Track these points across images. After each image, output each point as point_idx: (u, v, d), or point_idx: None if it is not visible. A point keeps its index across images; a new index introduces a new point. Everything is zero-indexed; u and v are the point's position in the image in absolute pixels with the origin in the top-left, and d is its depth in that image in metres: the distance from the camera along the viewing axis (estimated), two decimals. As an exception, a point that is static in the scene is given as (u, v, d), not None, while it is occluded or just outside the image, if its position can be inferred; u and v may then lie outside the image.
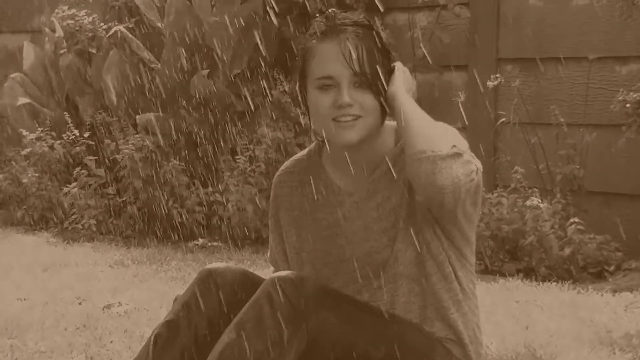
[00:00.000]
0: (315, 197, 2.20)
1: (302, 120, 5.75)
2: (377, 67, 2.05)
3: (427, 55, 5.59)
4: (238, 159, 5.72)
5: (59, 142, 6.29)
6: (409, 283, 2.11)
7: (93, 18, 6.51)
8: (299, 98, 2.15)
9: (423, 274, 2.11)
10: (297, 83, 2.13)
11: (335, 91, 2.05)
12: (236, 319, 2.02)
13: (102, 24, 6.47)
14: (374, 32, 2.09)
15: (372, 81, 2.05)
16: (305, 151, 2.28)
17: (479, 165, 2.01)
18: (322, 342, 2.01)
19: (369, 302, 2.12)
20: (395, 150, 2.13)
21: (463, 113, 5.61)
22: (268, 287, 2.02)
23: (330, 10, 2.12)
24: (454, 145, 1.96)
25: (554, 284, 4.51)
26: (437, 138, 1.96)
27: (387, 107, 2.08)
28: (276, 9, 5.63)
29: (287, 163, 2.29)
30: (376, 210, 2.13)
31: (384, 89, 2.07)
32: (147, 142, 5.87)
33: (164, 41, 6.07)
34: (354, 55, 2.04)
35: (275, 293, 2.00)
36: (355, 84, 2.05)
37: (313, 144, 2.27)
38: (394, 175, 2.10)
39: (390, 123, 2.15)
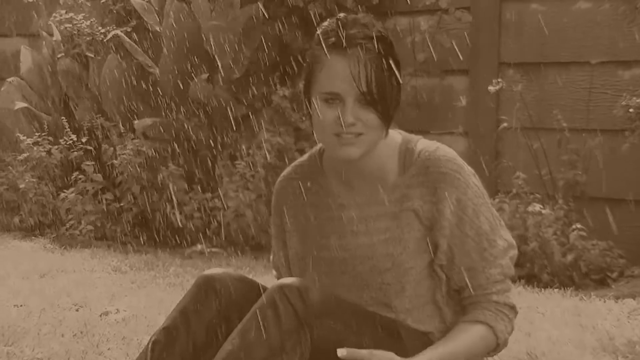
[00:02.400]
0: (317, 204, 2.20)
1: (302, 125, 5.75)
2: (385, 85, 2.03)
3: (427, 59, 5.60)
4: (237, 164, 5.72)
5: (56, 147, 6.29)
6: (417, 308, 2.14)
7: (91, 22, 6.51)
8: (304, 104, 2.13)
9: (428, 302, 2.13)
10: (303, 89, 2.11)
11: (340, 107, 2.04)
12: (239, 327, 2.01)
13: (100, 28, 6.47)
14: (386, 45, 2.06)
15: (379, 100, 2.04)
16: (306, 156, 2.27)
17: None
18: (326, 351, 2.00)
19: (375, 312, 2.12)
20: (407, 176, 2.11)
21: (464, 118, 5.61)
22: (273, 294, 2.01)
23: (341, 17, 2.07)
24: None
25: (556, 290, 4.51)
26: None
27: (388, 125, 2.08)
28: (266, 15, 5.64)
29: (288, 169, 2.28)
30: (384, 233, 2.12)
31: (390, 105, 2.06)
32: (145, 147, 5.86)
33: (162, 45, 6.07)
34: (362, 75, 2.01)
35: (280, 301, 1.99)
36: (360, 102, 2.04)
37: (314, 149, 2.26)
38: (405, 213, 2.10)
39: (391, 139, 2.14)
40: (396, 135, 2.16)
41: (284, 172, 2.28)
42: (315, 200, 2.20)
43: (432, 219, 2.09)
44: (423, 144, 2.14)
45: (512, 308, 2.15)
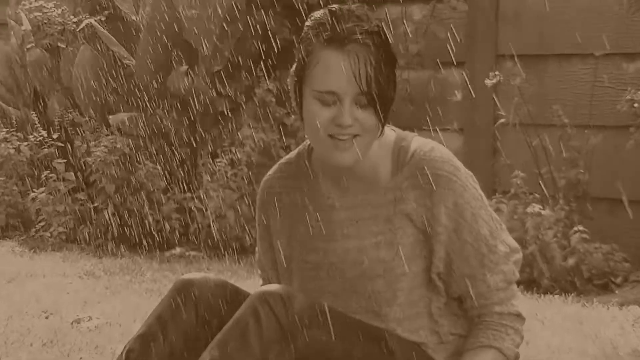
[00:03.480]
0: (305, 205, 2.19)
1: (288, 120, 5.75)
2: (383, 84, 2.02)
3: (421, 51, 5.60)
4: (219, 162, 5.71)
5: (25, 143, 6.27)
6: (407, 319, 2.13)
7: (62, 10, 6.49)
8: (294, 101, 2.10)
9: (421, 312, 2.12)
10: (294, 85, 2.09)
11: (337, 106, 2.02)
12: (218, 336, 2.00)
13: (72, 17, 6.45)
14: (383, 41, 2.04)
15: (378, 100, 2.02)
16: (293, 153, 2.26)
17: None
18: (311, 363, 2.00)
19: (363, 320, 2.11)
20: (400, 178, 2.10)
21: (460, 113, 5.61)
22: (254, 302, 2.00)
23: (335, 8, 2.05)
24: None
25: (556, 296, 4.52)
26: None
27: (384, 125, 2.07)
28: (250, 3, 5.64)
29: (274, 167, 2.27)
30: (375, 236, 2.11)
31: (388, 105, 2.05)
32: (121, 143, 5.85)
33: (139, 35, 6.06)
34: (363, 73, 2.00)
35: (262, 309, 1.98)
36: (359, 102, 2.03)
37: (302, 145, 2.25)
38: (398, 217, 2.09)
39: (385, 137, 2.13)
40: (389, 132, 2.15)
41: (270, 171, 2.27)
42: (302, 201, 2.19)
43: (427, 224, 2.08)
44: (417, 142, 2.13)
45: (518, 316, 2.15)
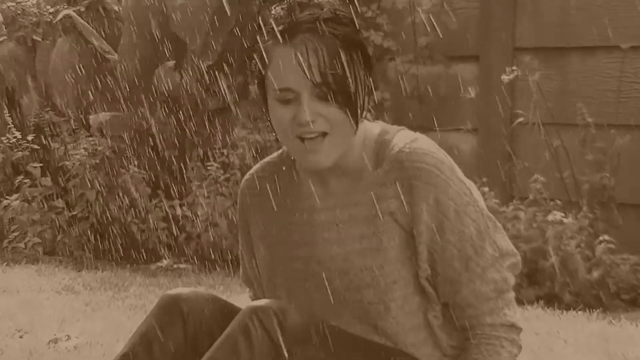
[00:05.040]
0: (287, 207, 2.19)
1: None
2: (344, 73, 2.02)
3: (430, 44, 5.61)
4: (210, 165, 5.71)
5: (-3, 146, 6.28)
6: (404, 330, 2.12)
7: (38, 0, 6.49)
8: (262, 108, 2.12)
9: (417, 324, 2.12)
10: (257, 91, 2.11)
11: (297, 104, 2.03)
12: (207, 354, 2.00)
13: (48, 7, 6.45)
14: (342, 26, 2.05)
15: (338, 91, 2.02)
16: (277, 153, 2.27)
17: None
18: (308, 383, 2.00)
19: (360, 335, 2.11)
20: (379, 173, 2.10)
21: (473, 112, 5.61)
22: (245, 318, 2.00)
23: (289, 1, 2.07)
24: None
25: (580, 312, 4.51)
26: None
27: (356, 119, 2.06)
28: None
29: (256, 166, 2.28)
30: (359, 242, 2.11)
31: (355, 96, 2.05)
32: (102, 146, 5.85)
33: (121, 27, 6.06)
34: (314, 63, 2.01)
35: (253, 326, 1.98)
36: (318, 96, 2.04)
37: (287, 144, 2.25)
38: (380, 217, 2.08)
39: (369, 132, 2.13)
40: (375, 126, 2.16)
41: (251, 170, 2.27)
42: (284, 202, 2.19)
43: (409, 223, 2.08)
44: (400, 135, 2.13)
45: (512, 326, 2.13)
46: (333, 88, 2.02)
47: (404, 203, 2.07)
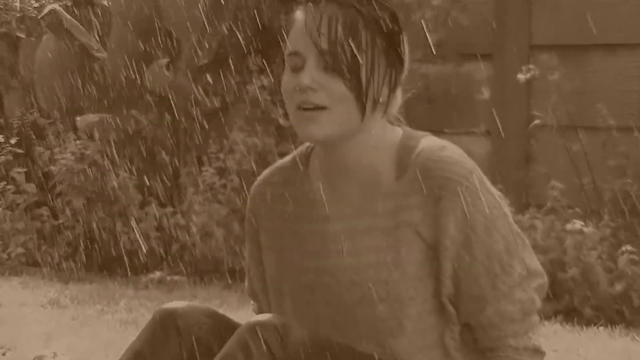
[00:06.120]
0: (298, 215, 2.19)
1: (285, 122, 5.75)
2: (358, 47, 2.04)
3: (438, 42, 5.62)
4: (205, 171, 5.71)
5: (-22, 150, 6.29)
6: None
7: (22, -6, 6.51)
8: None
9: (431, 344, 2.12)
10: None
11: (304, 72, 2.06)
12: (204, 373, 2.02)
13: (33, 2, 6.46)
14: (378, 8, 2.05)
15: (346, 66, 2.03)
16: (290, 157, 2.27)
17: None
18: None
19: (368, 354, 2.11)
20: (402, 182, 2.10)
21: (487, 114, 5.61)
22: (245, 335, 2.00)
23: None
24: None
25: (601, 328, 4.51)
26: None
27: (363, 105, 2.06)
28: None
29: (266, 171, 2.27)
30: (375, 254, 2.11)
31: (369, 78, 2.05)
32: (90, 149, 5.86)
33: (111, 23, 6.07)
34: (324, 30, 2.03)
35: (252, 342, 1.98)
36: (324, 66, 2.05)
37: (300, 148, 2.25)
38: (401, 229, 2.08)
39: (389, 135, 2.13)
40: (397, 130, 2.15)
41: (261, 176, 2.27)
42: (296, 210, 2.19)
43: (433, 236, 2.08)
44: (427, 141, 2.13)
45: (536, 351, 2.14)
46: (340, 59, 2.03)
47: (429, 215, 2.07)
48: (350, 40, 2.03)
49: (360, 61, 2.04)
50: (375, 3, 2.07)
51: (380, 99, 2.07)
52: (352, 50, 2.03)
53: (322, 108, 2.04)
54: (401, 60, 2.09)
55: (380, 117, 2.09)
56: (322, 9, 2.04)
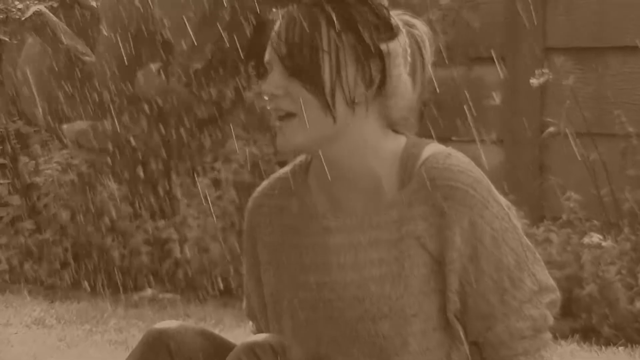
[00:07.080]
0: (297, 228, 2.19)
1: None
2: (316, 49, 2.05)
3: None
4: (199, 182, 5.71)
5: (-42, 160, 6.29)
6: None
7: (5, -5, 6.52)
8: None
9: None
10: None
11: None
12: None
13: (16, 3, 6.47)
14: (343, 4, 2.06)
15: (305, 69, 2.05)
16: (289, 167, 2.27)
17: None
18: None
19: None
20: (406, 191, 2.10)
21: (499, 120, 5.61)
22: (241, 356, 2.01)
23: None
24: None
25: (621, 348, 4.51)
26: None
27: (327, 106, 2.06)
28: None
29: (265, 183, 2.28)
30: (378, 267, 2.11)
31: (329, 81, 2.06)
32: (78, 159, 5.86)
33: (99, 25, 6.07)
34: (283, 34, 2.07)
35: (249, 364, 1.98)
36: (290, 72, 2.07)
37: (298, 158, 2.26)
38: (405, 241, 2.08)
39: (391, 143, 2.13)
40: (400, 137, 2.15)
41: (260, 187, 2.28)
42: (295, 223, 2.19)
43: (439, 249, 2.08)
44: (431, 149, 2.13)
45: None
46: (298, 63, 2.04)
47: (434, 226, 2.06)
48: (308, 42, 2.04)
49: (321, 62, 2.04)
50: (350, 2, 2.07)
51: (356, 99, 2.07)
52: (310, 52, 2.04)
53: (293, 115, 2.06)
54: (380, 54, 2.08)
55: (374, 120, 2.10)
56: (285, 13, 2.08)
